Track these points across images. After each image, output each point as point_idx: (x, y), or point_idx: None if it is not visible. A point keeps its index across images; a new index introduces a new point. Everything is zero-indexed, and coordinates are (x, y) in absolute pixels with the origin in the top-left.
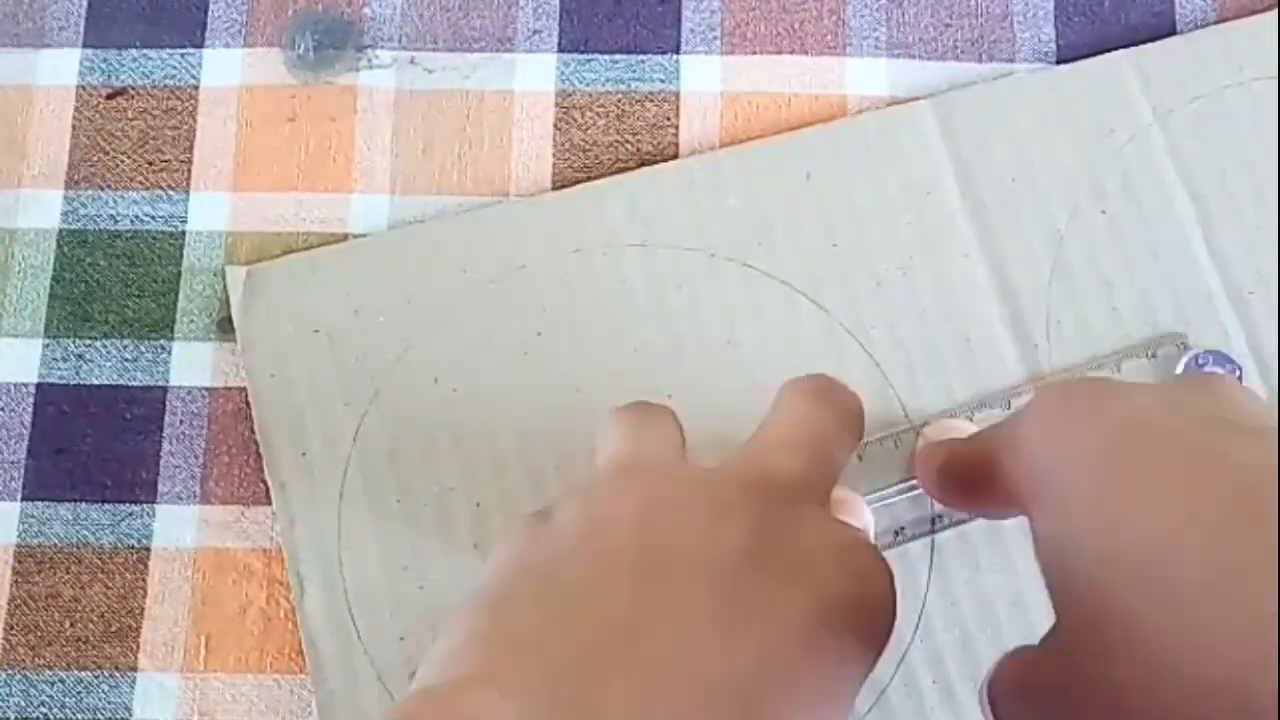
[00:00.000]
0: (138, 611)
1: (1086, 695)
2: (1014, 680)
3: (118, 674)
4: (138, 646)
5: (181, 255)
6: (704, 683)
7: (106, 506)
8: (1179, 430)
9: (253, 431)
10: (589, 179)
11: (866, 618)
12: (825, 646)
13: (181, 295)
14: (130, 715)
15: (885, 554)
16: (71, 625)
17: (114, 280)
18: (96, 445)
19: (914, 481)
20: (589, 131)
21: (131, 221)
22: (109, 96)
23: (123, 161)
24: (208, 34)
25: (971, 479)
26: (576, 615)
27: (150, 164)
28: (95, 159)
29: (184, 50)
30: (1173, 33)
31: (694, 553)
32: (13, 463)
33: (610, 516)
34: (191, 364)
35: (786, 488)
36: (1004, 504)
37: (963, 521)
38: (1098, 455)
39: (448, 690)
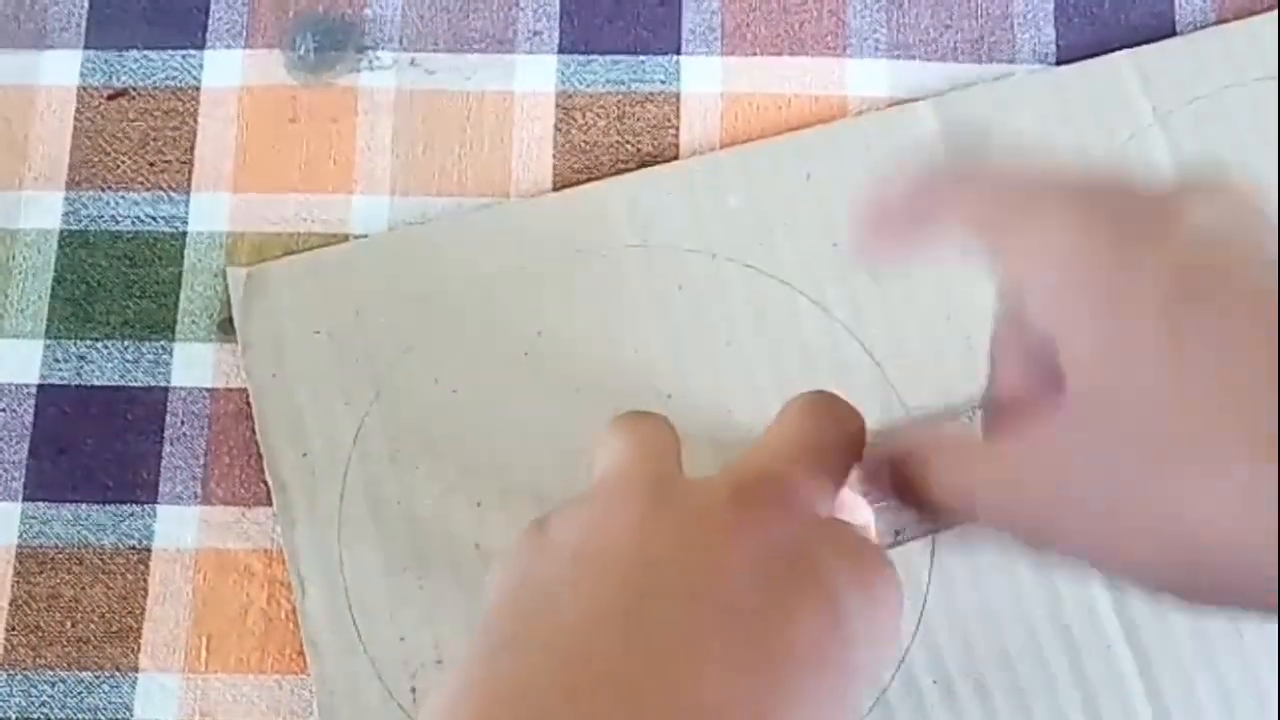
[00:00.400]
0: (139, 612)
1: (1104, 499)
2: (964, 466)
3: (119, 674)
4: (139, 647)
5: (182, 256)
6: (708, 712)
7: (108, 507)
8: (1249, 248)
9: (254, 432)
10: (589, 180)
11: (875, 623)
12: (835, 655)
13: (182, 296)
14: (131, 715)
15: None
16: (73, 626)
17: (115, 281)
18: (98, 446)
19: None
20: (589, 132)
21: (133, 222)
22: (110, 97)
23: (124, 162)
24: (209, 35)
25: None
26: (572, 660)
27: (151, 165)
28: (96, 160)
29: (185, 51)
30: (1173, 33)
31: (691, 572)
32: (14, 463)
33: (606, 536)
34: (192, 365)
35: (786, 495)
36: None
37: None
38: (1165, 281)
39: None
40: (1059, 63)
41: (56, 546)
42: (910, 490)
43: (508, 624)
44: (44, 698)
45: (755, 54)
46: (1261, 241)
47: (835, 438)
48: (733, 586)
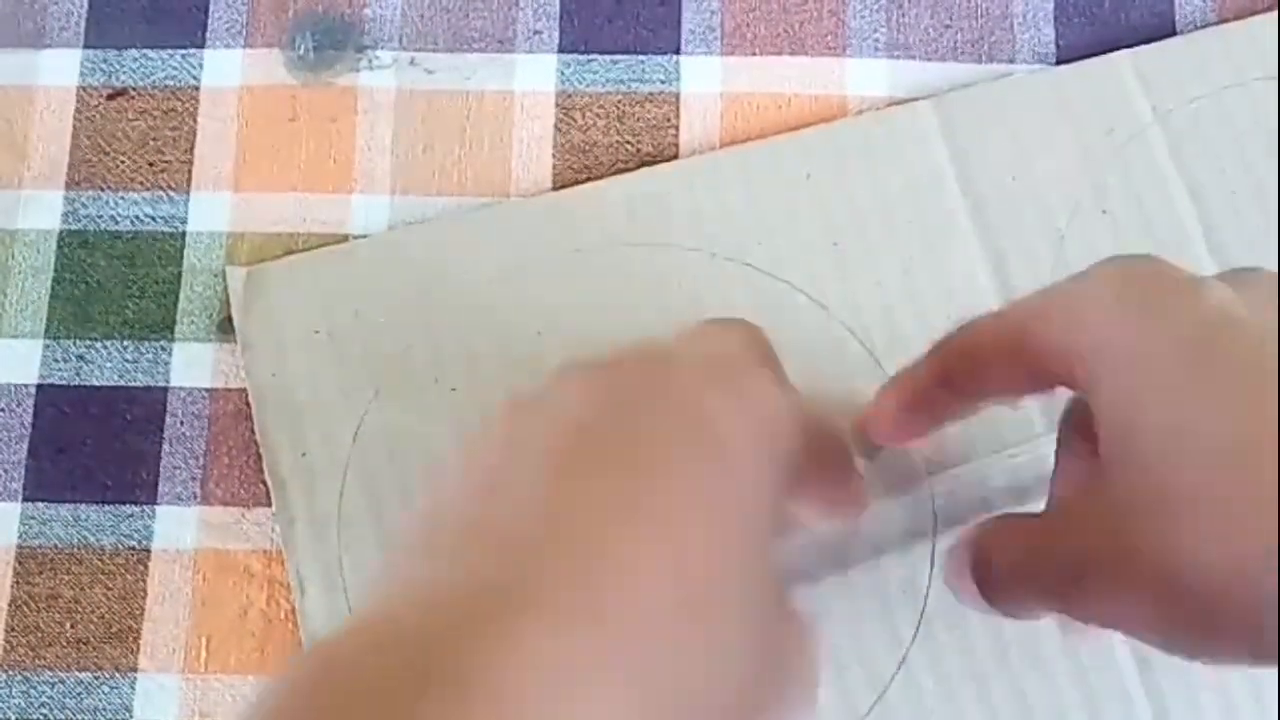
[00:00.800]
0: (138, 613)
1: (1119, 555)
2: (1015, 540)
3: (118, 675)
4: (138, 648)
5: (182, 256)
6: (568, 519)
7: (107, 507)
8: (1263, 327)
9: (253, 432)
10: (589, 180)
11: (750, 427)
12: (703, 452)
13: (182, 296)
14: (131, 716)
15: (887, 558)
16: (72, 626)
17: (114, 281)
18: (97, 446)
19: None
20: (589, 132)
21: (132, 222)
22: (110, 97)
23: (123, 162)
24: (208, 35)
25: (986, 359)
26: (454, 575)
27: (151, 165)
28: (96, 160)
29: (184, 51)
30: (1173, 33)
31: (545, 439)
32: (13, 464)
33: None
34: (192, 365)
35: (654, 351)
36: (1027, 381)
37: (962, 521)
38: (1184, 345)
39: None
40: (1058, 62)
41: (56, 547)
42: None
43: (404, 539)
44: (43, 698)
45: (755, 54)
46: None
47: (729, 333)
48: (571, 441)
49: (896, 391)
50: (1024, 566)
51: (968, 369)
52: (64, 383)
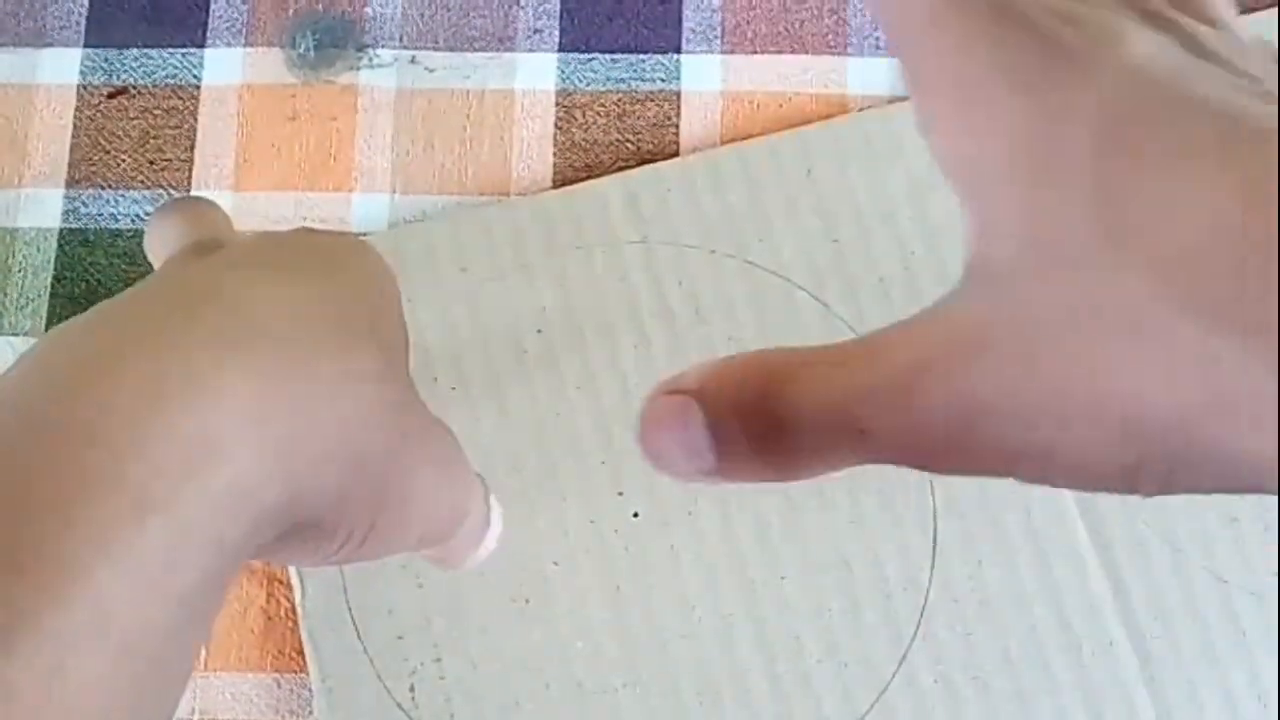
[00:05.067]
0: None
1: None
2: (828, 377)
3: None
4: None
5: None
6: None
7: None
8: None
9: None
10: (590, 178)
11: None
12: None
13: None
14: None
15: (888, 556)
16: None
17: (115, 279)
18: None
19: None
20: (590, 130)
21: (132, 220)
22: (110, 95)
23: (124, 160)
24: (209, 33)
25: None
26: None
27: (151, 163)
28: (96, 158)
29: (185, 49)
30: None
31: None
32: None
33: None
34: None
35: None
36: None
37: None
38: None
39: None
40: None
41: None
42: (769, 421)
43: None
44: None
45: (755, 52)
46: (1212, 84)
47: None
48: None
49: None
50: (863, 408)
51: None
52: None
